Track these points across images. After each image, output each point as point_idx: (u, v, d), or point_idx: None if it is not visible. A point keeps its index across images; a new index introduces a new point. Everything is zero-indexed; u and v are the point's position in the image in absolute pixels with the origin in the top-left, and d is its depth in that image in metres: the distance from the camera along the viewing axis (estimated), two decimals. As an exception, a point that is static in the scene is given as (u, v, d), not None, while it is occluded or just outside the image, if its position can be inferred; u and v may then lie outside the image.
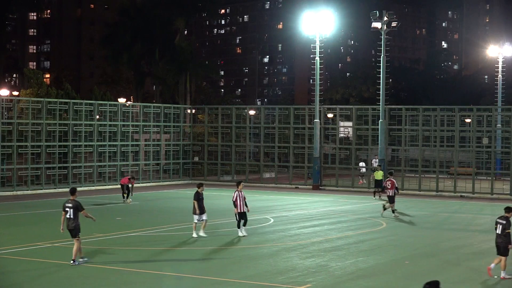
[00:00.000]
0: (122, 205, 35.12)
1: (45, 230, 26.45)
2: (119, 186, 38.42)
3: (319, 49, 47.01)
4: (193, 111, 57.23)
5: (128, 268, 18.90)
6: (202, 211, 24.20)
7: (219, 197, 40.76)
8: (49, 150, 43.03)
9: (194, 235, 24.16)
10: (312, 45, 47.41)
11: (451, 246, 23.60)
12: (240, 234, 24.45)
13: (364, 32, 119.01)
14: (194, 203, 24.22)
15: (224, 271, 18.89)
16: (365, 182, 49.00)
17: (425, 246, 23.59)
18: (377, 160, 48.73)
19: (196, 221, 24.29)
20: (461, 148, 46.88)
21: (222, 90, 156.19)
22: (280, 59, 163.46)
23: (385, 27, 45.56)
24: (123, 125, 47.30)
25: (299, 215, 31.97)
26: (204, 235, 24.12)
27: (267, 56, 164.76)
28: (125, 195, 36.42)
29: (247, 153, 52.25)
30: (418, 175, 45.76)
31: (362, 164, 49.19)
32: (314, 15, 47.23)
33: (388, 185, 31.50)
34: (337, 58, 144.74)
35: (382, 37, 45.87)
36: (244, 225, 24.57)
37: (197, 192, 24.31)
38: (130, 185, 36.57)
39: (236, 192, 24.39)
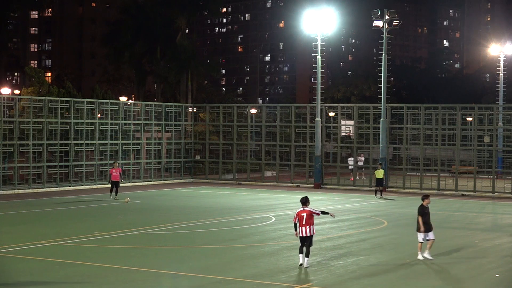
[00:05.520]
0: (124, 203, 35.07)
1: (47, 228, 26.46)
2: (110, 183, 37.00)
3: (321, 47, 46.99)
4: (195, 109, 57.23)
5: (128, 266, 18.90)
6: (428, 228, 20.36)
7: (219, 196, 40.80)
8: (50, 149, 43.04)
9: (420, 257, 20.39)
10: (313, 43, 47.40)
11: (452, 245, 23.56)
12: (300, 260, 19.17)
13: (366, 31, 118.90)
14: (418, 218, 20.33)
15: (225, 269, 18.88)
16: (365, 178, 48.85)
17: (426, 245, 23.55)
18: (362, 158, 48.98)
19: (421, 240, 20.44)
20: (463, 146, 46.90)
21: (224, 89, 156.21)
22: (281, 57, 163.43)
23: (386, 26, 45.49)
24: (125, 124, 47.29)
25: (300, 214, 31.91)
26: (430, 257, 20.42)
27: (269, 55, 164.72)
28: (114, 192, 35.98)
29: (249, 151, 52.27)
30: (419, 174, 45.73)
31: (350, 160, 49.13)
32: (316, 13, 47.22)
33: None
34: (338, 56, 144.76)
35: (384, 35, 45.83)
36: (307, 255, 19.04)
37: (421, 205, 20.36)
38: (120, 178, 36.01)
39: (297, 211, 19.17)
